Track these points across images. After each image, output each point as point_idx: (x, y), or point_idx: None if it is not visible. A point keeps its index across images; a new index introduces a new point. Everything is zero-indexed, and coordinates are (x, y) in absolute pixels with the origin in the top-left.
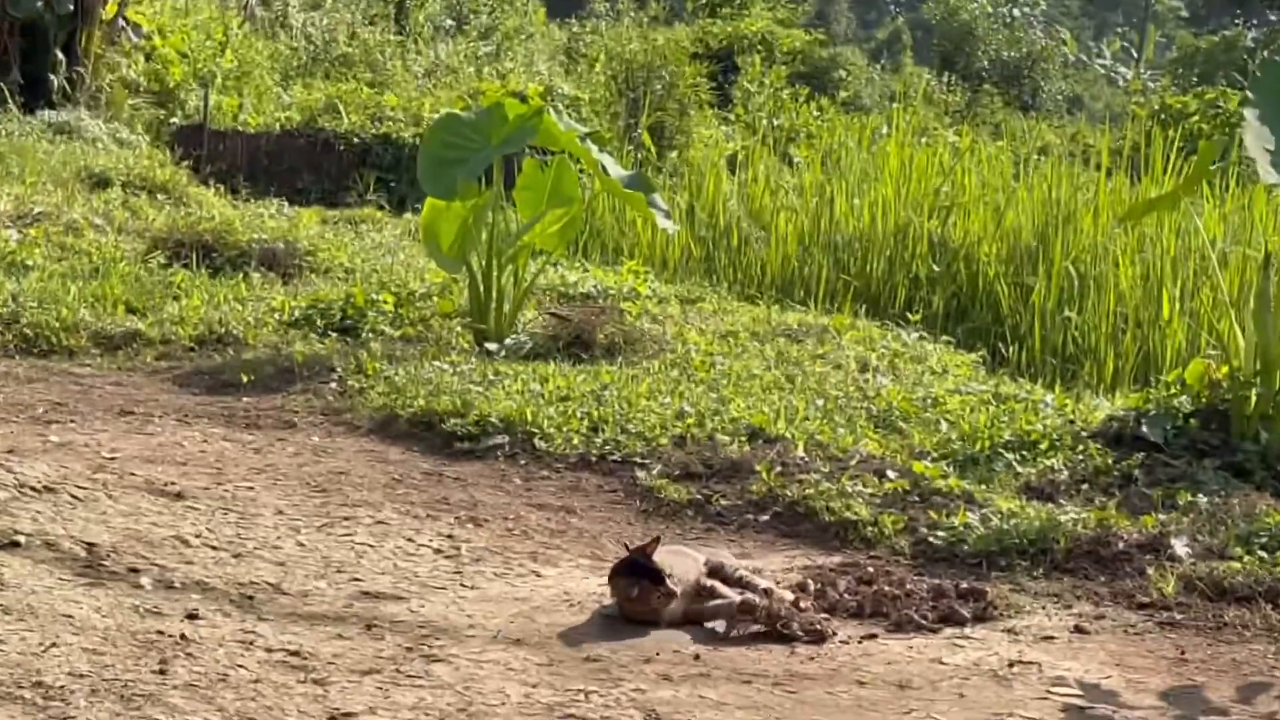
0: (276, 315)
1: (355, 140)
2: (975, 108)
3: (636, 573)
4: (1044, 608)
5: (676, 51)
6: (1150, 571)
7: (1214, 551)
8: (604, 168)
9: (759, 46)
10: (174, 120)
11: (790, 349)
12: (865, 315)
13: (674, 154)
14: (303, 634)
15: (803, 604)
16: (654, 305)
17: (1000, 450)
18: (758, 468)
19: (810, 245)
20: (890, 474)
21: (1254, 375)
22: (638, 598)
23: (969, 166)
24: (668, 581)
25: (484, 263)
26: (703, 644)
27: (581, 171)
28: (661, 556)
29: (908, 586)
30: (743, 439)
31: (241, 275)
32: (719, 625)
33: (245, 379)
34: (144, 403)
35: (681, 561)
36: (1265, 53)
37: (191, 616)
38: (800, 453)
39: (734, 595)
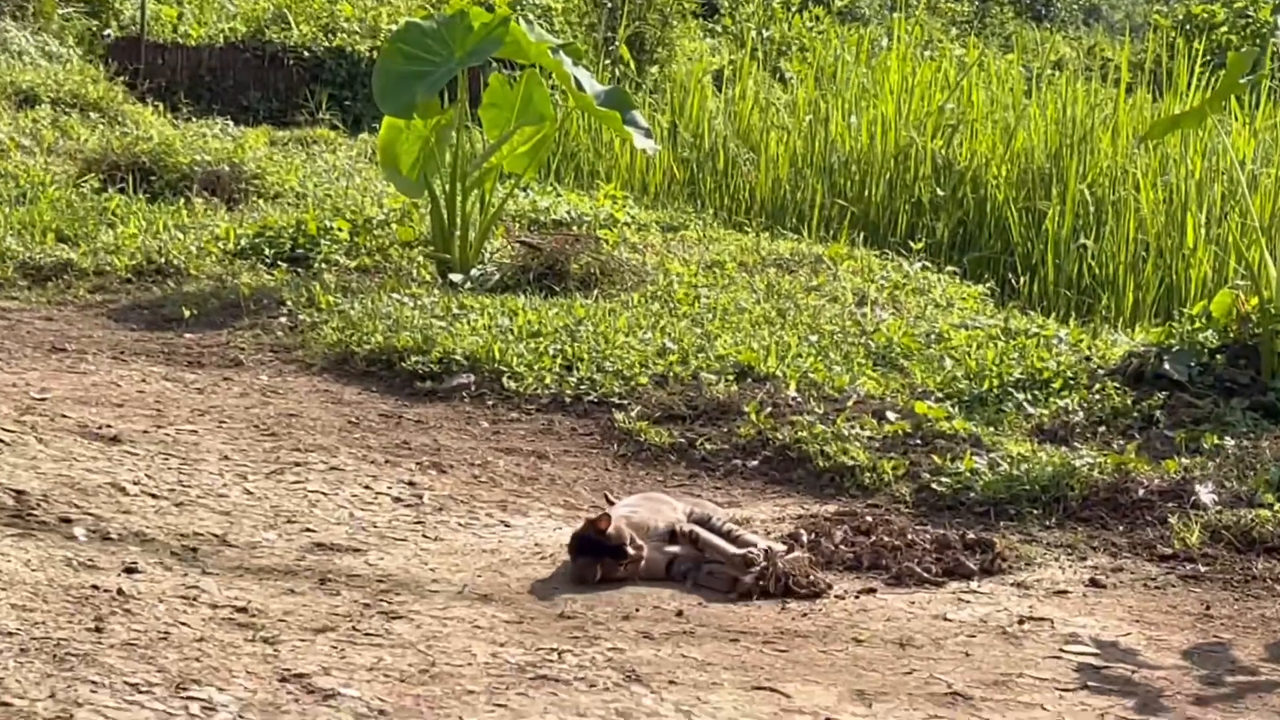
0: (221, 244)
1: (306, 54)
2: (984, 18)
3: (593, 551)
4: (1057, 560)
5: None
6: (1172, 520)
7: (1242, 498)
8: (578, 83)
9: None
10: (108, 32)
11: (781, 280)
12: (863, 244)
13: (655, 68)
14: (251, 589)
15: (795, 553)
16: (633, 233)
17: (1010, 390)
18: (746, 409)
19: (803, 168)
20: (890, 415)
21: None
22: (602, 579)
23: (977, 82)
24: (629, 549)
25: (447, 187)
26: (686, 599)
27: (553, 87)
28: (634, 505)
29: (909, 537)
30: (730, 378)
31: (182, 201)
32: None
33: (187, 313)
34: (77, 339)
35: (654, 509)
36: None
37: (129, 570)
38: (792, 393)
39: (723, 544)
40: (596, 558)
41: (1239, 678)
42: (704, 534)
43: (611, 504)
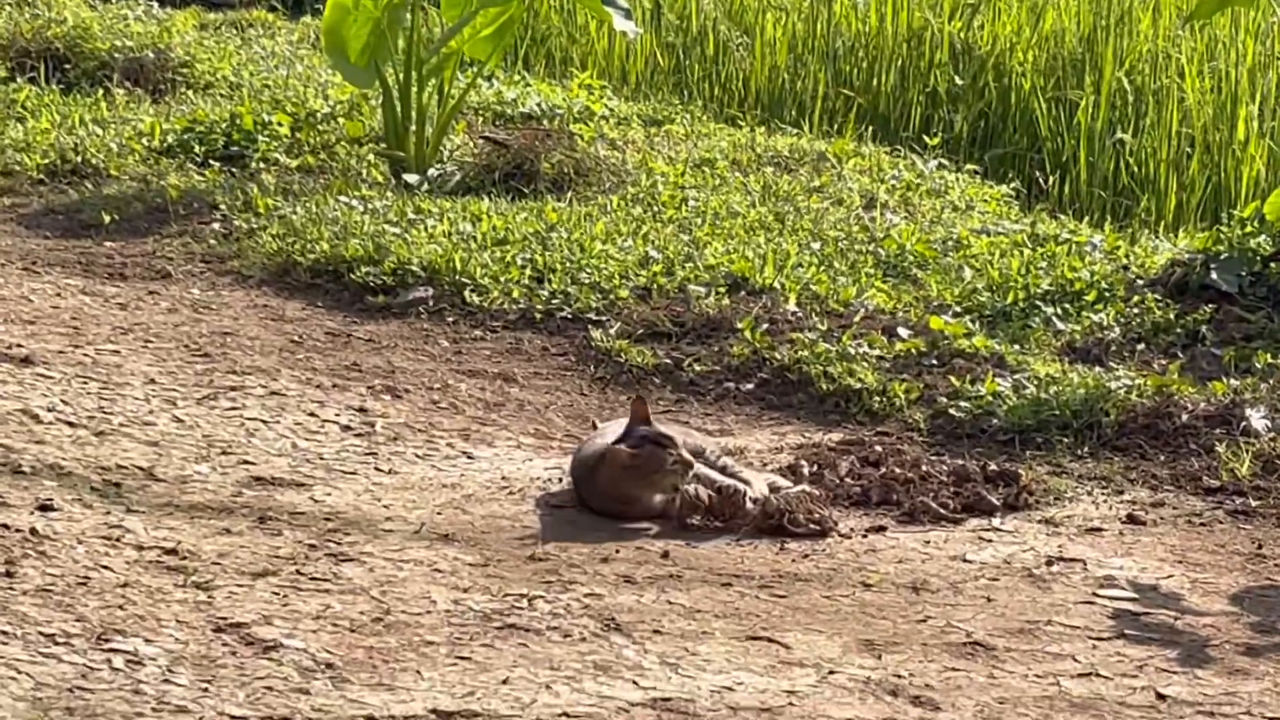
0: (145, 141)
1: None
2: None
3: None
4: (1090, 494)
5: None
6: (1220, 449)
7: None
8: None
9: None
10: None
11: (779, 181)
12: (871, 139)
13: None
14: (181, 528)
15: (801, 488)
16: (612, 128)
17: (1037, 303)
18: (740, 325)
19: (804, 54)
20: (902, 332)
21: None
22: (646, 462)
23: None
24: (679, 449)
25: (401, 75)
26: (673, 540)
27: None
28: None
29: (923, 469)
30: (721, 291)
31: (101, 92)
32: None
33: (107, 219)
34: None
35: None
36: None
37: (44, 508)
38: (792, 307)
39: (720, 478)
40: (640, 441)
41: None
42: (701, 468)
43: (595, 429)
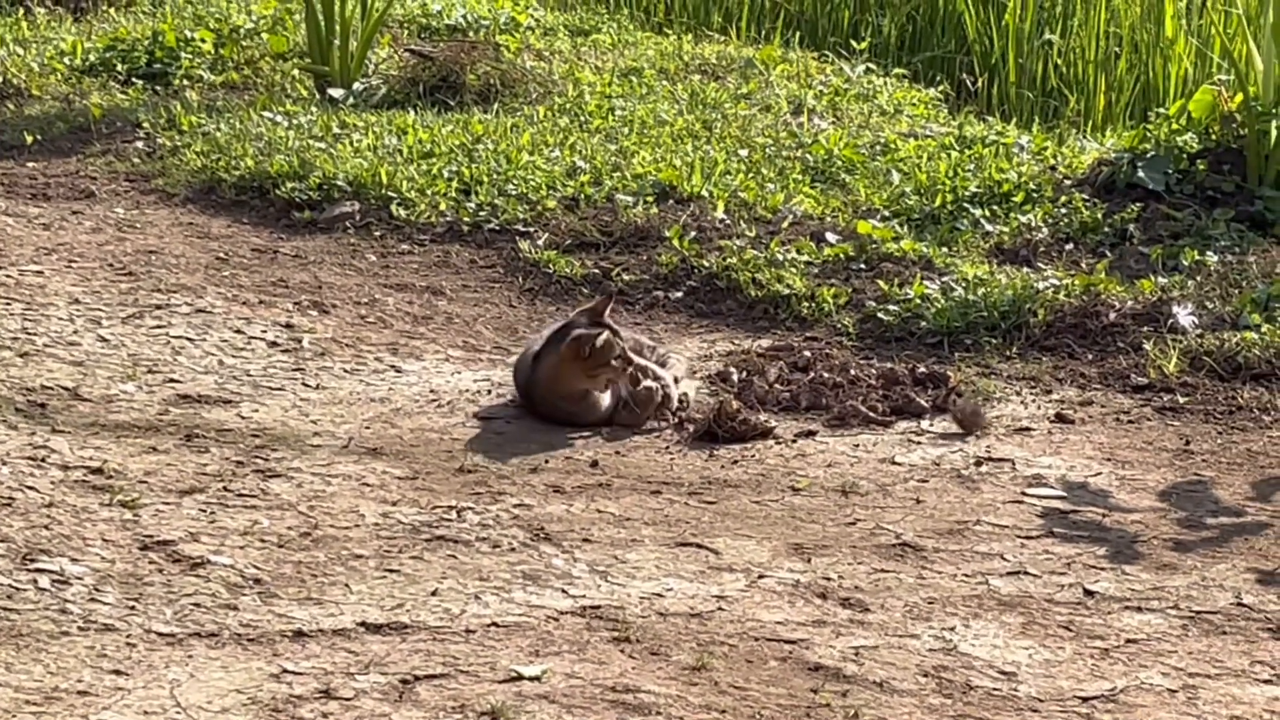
0: (67, 60)
1: None
2: None
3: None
4: (1019, 394)
5: None
6: (1148, 346)
7: (1225, 320)
8: None
9: None
10: None
11: (707, 88)
12: (799, 45)
13: None
14: (107, 447)
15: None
16: (538, 39)
17: (965, 205)
18: (668, 234)
19: None
20: (830, 237)
21: (1274, 105)
22: (591, 356)
23: None
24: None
25: None
26: (602, 449)
27: None
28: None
29: (852, 373)
30: (649, 199)
31: (21, 12)
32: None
33: (30, 139)
34: None
35: None
36: None
37: None
38: (720, 214)
39: (657, 369)
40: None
41: (1222, 519)
42: (650, 367)
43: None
